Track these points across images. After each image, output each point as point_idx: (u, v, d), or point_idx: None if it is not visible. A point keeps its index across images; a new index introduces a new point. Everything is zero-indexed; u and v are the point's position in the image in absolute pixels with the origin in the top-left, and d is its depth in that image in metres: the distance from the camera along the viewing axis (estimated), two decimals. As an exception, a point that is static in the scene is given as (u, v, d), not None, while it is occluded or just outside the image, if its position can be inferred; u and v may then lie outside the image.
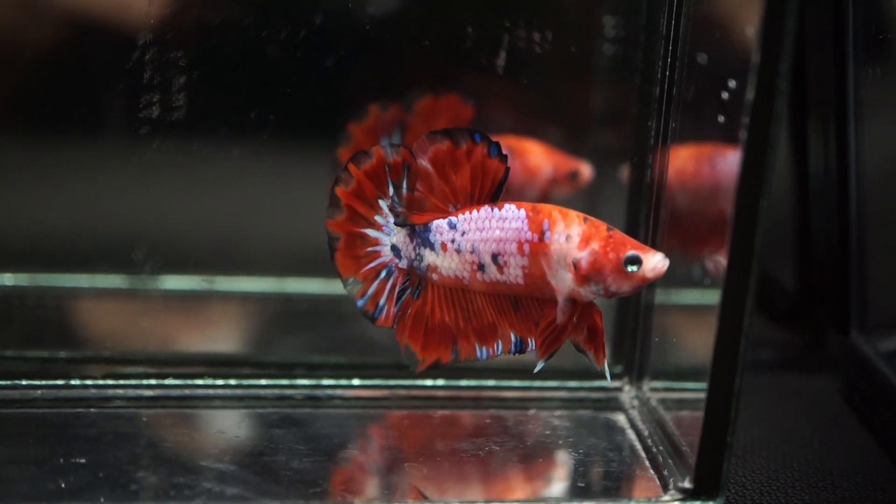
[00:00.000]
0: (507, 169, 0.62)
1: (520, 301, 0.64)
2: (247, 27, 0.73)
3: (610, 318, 0.79)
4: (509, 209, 0.63)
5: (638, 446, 0.70)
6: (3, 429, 0.69)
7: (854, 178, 0.83)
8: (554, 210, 0.63)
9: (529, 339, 0.64)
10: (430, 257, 0.63)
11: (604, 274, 0.62)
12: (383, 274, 0.64)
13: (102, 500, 0.61)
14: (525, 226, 0.63)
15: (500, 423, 0.73)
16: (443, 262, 0.63)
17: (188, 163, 0.79)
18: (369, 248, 0.64)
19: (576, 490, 0.66)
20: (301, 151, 0.80)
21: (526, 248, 0.63)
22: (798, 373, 0.88)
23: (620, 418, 0.74)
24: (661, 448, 0.69)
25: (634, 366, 0.76)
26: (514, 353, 0.64)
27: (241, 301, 0.84)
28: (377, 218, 0.63)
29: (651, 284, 0.73)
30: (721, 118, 0.61)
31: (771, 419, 0.79)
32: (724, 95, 0.60)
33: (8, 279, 0.82)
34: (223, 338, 0.83)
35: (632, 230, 0.74)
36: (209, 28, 0.74)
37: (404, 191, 0.63)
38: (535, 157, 0.77)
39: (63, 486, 0.62)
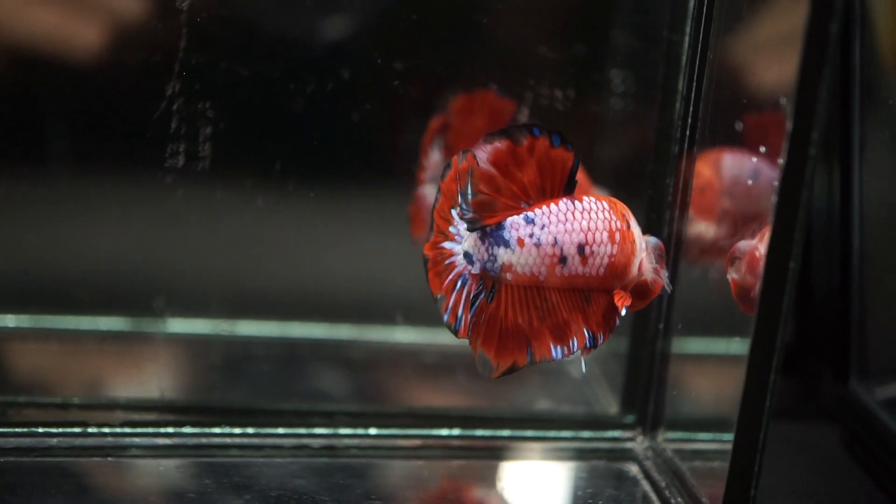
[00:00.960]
0: (577, 157, 0.62)
1: (591, 295, 0.63)
2: (274, 79, 0.74)
3: (622, 367, 0.81)
4: (589, 201, 0.63)
5: (653, 497, 0.72)
6: (22, 478, 0.69)
7: (857, 224, 0.85)
8: (618, 201, 0.65)
9: (600, 334, 0.63)
10: (504, 256, 0.61)
11: (662, 263, 0.65)
12: (459, 284, 0.62)
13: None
14: (612, 215, 0.63)
15: (514, 473, 0.74)
16: (519, 259, 0.61)
17: (207, 206, 0.79)
18: (447, 261, 0.62)
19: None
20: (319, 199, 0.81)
21: (617, 236, 0.63)
22: (798, 422, 0.89)
23: (633, 469, 0.75)
24: (678, 500, 0.70)
25: (648, 416, 0.78)
26: (588, 348, 0.63)
27: (256, 346, 0.85)
28: (451, 228, 0.62)
29: (667, 332, 0.75)
30: (750, 181, 0.63)
31: (774, 470, 0.79)
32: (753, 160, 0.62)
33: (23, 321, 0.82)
34: (238, 384, 0.83)
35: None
36: (236, 79, 0.74)
37: (469, 196, 0.61)
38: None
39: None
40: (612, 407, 0.81)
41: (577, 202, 0.62)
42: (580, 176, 0.75)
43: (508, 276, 0.62)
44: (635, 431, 0.78)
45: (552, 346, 0.62)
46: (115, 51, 0.75)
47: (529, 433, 0.77)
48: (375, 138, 0.79)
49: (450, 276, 0.62)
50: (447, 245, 0.62)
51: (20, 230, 0.80)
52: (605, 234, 0.63)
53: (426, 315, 0.85)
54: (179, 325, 0.83)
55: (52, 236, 0.80)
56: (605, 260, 0.63)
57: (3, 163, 0.78)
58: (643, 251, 0.65)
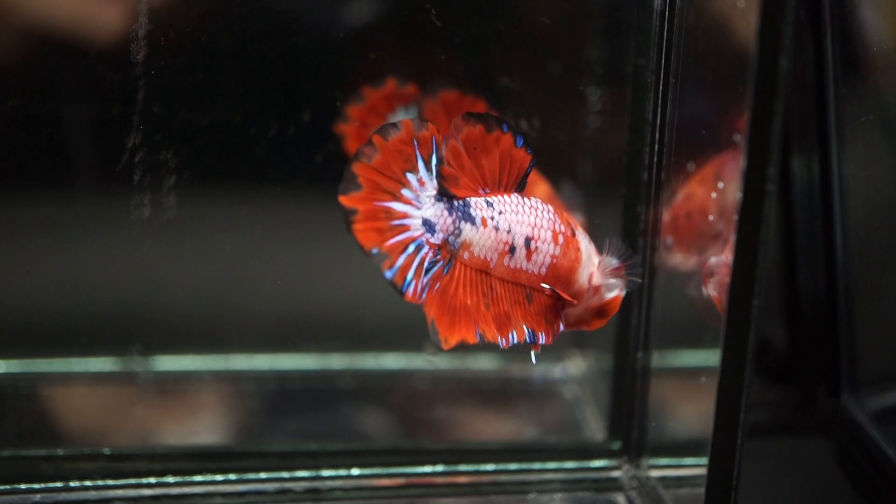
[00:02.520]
0: (533, 160, 0.62)
1: (533, 294, 0.63)
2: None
3: (606, 389, 0.80)
4: (536, 201, 0.63)
5: (638, 529, 0.71)
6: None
7: (840, 233, 0.84)
8: (570, 217, 0.65)
9: (540, 333, 0.63)
10: (468, 232, 0.61)
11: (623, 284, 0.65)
12: (411, 248, 0.61)
13: None
14: (557, 218, 0.64)
15: (500, 509, 0.74)
16: (479, 239, 0.61)
17: (190, 233, 0.79)
18: (395, 222, 0.60)
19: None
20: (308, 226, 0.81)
21: (560, 238, 0.63)
22: (790, 436, 0.88)
23: (620, 499, 0.75)
24: (662, 532, 0.70)
25: (633, 442, 0.77)
26: (529, 344, 0.63)
27: (243, 381, 0.85)
28: (404, 192, 0.60)
29: (646, 350, 0.75)
30: (710, 217, 0.62)
31: (762, 490, 0.79)
32: (714, 194, 0.61)
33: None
34: (220, 425, 0.83)
35: (626, 308, 0.75)
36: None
37: (436, 165, 0.60)
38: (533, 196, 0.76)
39: None
40: (598, 433, 0.81)
41: (526, 199, 0.63)
42: (556, 202, 0.75)
43: (465, 255, 0.61)
44: (620, 459, 0.77)
45: (496, 335, 0.62)
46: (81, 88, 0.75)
47: (514, 466, 0.77)
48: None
49: (398, 238, 0.61)
50: (397, 206, 0.60)
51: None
52: (549, 234, 0.63)
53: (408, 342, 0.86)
54: (160, 364, 0.84)
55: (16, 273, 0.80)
56: (548, 259, 0.63)
57: None
58: (595, 265, 0.65)
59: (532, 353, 0.63)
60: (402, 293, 0.61)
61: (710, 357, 0.63)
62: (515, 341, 0.63)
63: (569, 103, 0.79)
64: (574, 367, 0.89)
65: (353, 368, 0.87)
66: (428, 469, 0.76)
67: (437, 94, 0.76)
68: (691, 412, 0.74)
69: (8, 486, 0.72)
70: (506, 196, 0.62)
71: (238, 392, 0.85)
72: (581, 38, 0.79)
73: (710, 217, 0.68)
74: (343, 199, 0.60)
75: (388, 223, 0.61)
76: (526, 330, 0.63)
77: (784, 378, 0.92)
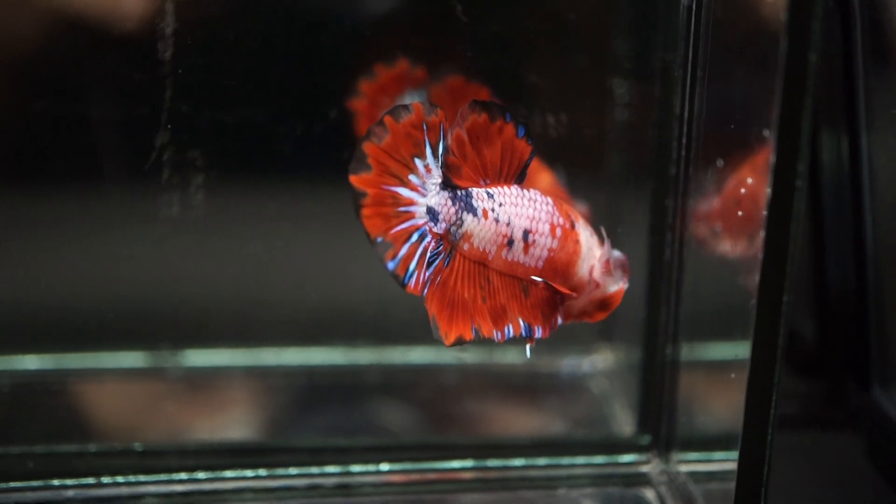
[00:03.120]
0: (533, 151, 0.61)
1: (530, 287, 0.63)
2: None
3: (635, 383, 0.80)
4: (536, 193, 0.63)
5: (667, 524, 0.71)
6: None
7: (869, 225, 0.83)
8: (571, 208, 0.65)
9: (536, 327, 0.63)
10: (470, 224, 0.61)
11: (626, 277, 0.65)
12: (415, 237, 0.60)
13: None
14: (555, 210, 0.63)
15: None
16: (479, 231, 0.61)
17: (217, 230, 0.80)
18: (401, 208, 0.60)
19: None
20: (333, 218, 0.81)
21: (558, 231, 0.63)
22: (820, 429, 0.87)
23: (650, 495, 0.74)
24: (691, 527, 0.70)
25: (662, 436, 0.77)
26: (524, 338, 0.62)
27: (272, 377, 0.86)
28: (412, 177, 0.60)
29: (675, 344, 0.74)
30: (739, 213, 0.61)
31: (791, 486, 0.78)
32: (743, 190, 0.60)
33: (30, 362, 0.83)
34: (251, 420, 0.84)
35: (653, 307, 0.75)
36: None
37: (442, 153, 0.60)
38: (536, 186, 0.73)
39: None
40: (627, 428, 0.81)
41: (525, 190, 0.62)
42: (559, 191, 0.75)
43: (465, 246, 0.61)
44: (650, 454, 0.77)
45: (492, 329, 0.61)
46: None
47: (543, 461, 0.77)
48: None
49: (403, 225, 0.60)
50: (404, 192, 0.60)
51: (33, 270, 0.82)
52: (547, 227, 0.62)
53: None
54: (190, 360, 0.84)
55: (46, 269, 0.80)
56: (545, 252, 0.62)
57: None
58: (596, 258, 0.64)
59: (527, 346, 0.63)
60: (403, 284, 0.60)
61: (739, 350, 0.63)
62: (511, 335, 0.62)
63: (596, 98, 0.79)
64: (602, 360, 0.88)
65: (381, 363, 0.87)
66: (457, 464, 0.76)
67: (443, 79, 0.76)
68: (721, 406, 0.73)
69: (41, 482, 0.73)
70: (506, 188, 0.62)
71: (267, 387, 0.86)
72: (609, 33, 0.78)
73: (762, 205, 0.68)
74: (354, 180, 0.59)
75: (395, 209, 0.60)
76: (522, 324, 0.62)
77: (814, 371, 0.92)
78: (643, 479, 0.76)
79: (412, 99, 0.75)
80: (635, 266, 0.77)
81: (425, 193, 0.60)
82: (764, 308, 0.58)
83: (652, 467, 0.77)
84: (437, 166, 0.60)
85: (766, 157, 0.63)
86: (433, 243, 0.60)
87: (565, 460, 0.77)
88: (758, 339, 0.59)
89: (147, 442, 0.77)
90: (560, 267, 0.63)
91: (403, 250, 0.60)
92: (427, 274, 0.60)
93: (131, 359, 0.84)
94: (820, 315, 0.91)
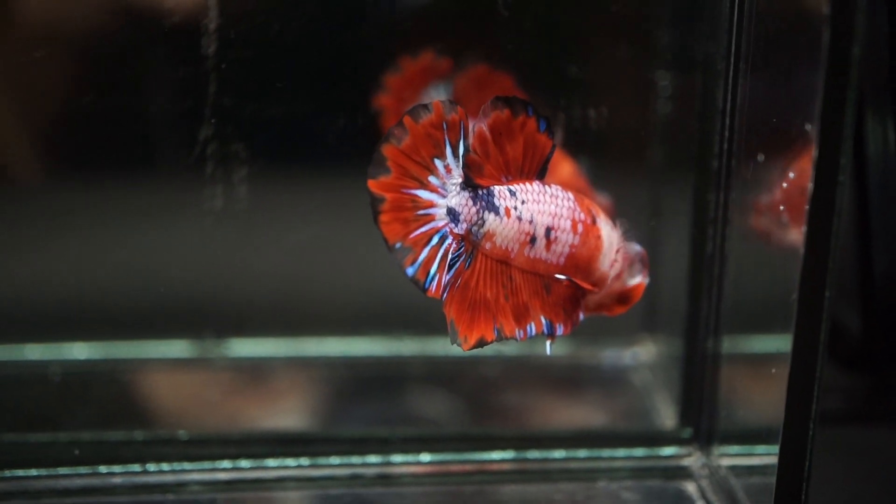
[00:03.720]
0: (554, 146, 0.60)
1: (552, 284, 0.62)
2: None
3: (677, 376, 0.80)
4: (557, 188, 0.62)
5: (708, 518, 0.71)
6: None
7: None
8: (592, 202, 0.64)
9: (558, 324, 0.62)
10: (492, 223, 0.59)
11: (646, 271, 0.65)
12: (435, 240, 0.59)
13: None
14: (577, 206, 0.62)
15: (569, 497, 0.74)
16: (502, 230, 0.60)
17: (261, 220, 0.81)
18: (420, 212, 0.58)
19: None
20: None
21: (580, 227, 0.62)
22: (864, 424, 0.86)
23: (691, 488, 0.74)
24: (731, 522, 0.69)
25: (703, 430, 0.77)
26: (549, 335, 0.62)
27: (315, 367, 0.86)
28: (431, 179, 0.58)
29: (716, 338, 0.74)
30: (781, 207, 0.61)
31: (836, 482, 0.78)
32: (784, 184, 0.60)
33: (78, 351, 0.84)
34: (296, 410, 0.85)
35: (694, 300, 0.75)
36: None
37: (463, 152, 0.59)
38: (557, 177, 0.74)
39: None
40: (669, 421, 0.81)
41: (546, 186, 0.61)
42: (581, 182, 0.74)
43: (487, 245, 0.60)
44: (691, 447, 0.77)
45: (515, 327, 0.61)
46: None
47: (583, 453, 0.77)
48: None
49: (423, 229, 0.59)
50: (424, 194, 0.58)
51: (81, 262, 0.83)
52: (569, 223, 0.61)
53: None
54: (234, 350, 0.85)
55: (92, 258, 0.82)
56: (567, 249, 0.61)
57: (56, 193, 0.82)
58: (615, 252, 0.63)
59: (547, 343, 0.62)
60: (424, 289, 0.59)
61: (780, 344, 0.62)
62: (533, 333, 0.61)
63: (639, 90, 0.78)
64: (645, 353, 0.88)
65: (423, 354, 0.88)
66: (497, 455, 0.76)
67: (467, 69, 0.76)
68: (763, 400, 0.73)
69: (89, 469, 0.74)
70: (527, 184, 0.61)
71: (310, 377, 0.87)
72: (652, 25, 0.78)
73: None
74: (372, 185, 0.58)
75: (414, 213, 0.59)
76: (544, 321, 0.61)
77: (858, 365, 0.91)
78: (684, 473, 0.76)
79: (438, 91, 0.75)
80: (678, 259, 0.77)
81: (445, 194, 0.59)
82: (806, 303, 0.58)
83: (693, 461, 0.76)
84: (457, 166, 0.59)
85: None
86: (454, 245, 0.59)
87: (606, 452, 0.77)
88: (799, 334, 0.59)
89: (192, 430, 0.79)
90: (582, 263, 0.62)
91: (423, 254, 0.59)
92: (448, 277, 0.59)
93: (176, 348, 0.86)
94: (865, 309, 0.90)
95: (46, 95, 0.78)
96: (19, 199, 0.81)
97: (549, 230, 0.61)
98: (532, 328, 0.61)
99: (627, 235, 0.65)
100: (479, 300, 0.60)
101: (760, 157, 0.65)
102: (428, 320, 0.86)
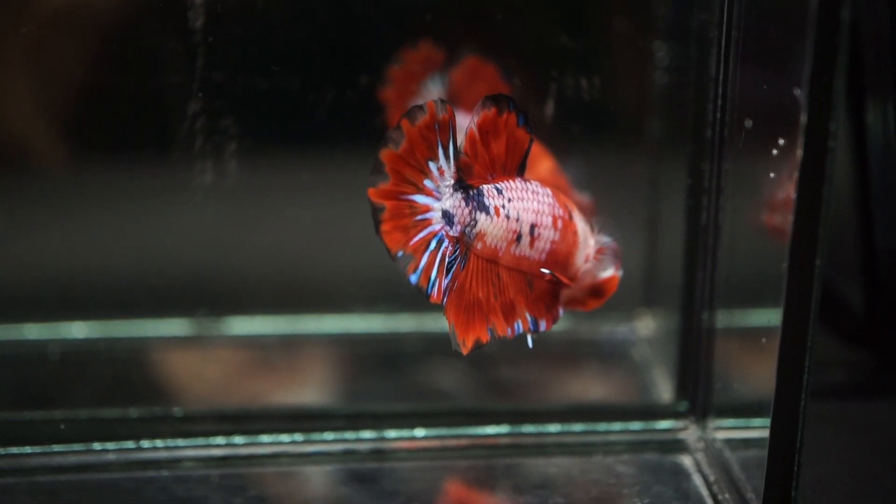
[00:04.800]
0: (532, 140, 0.60)
1: (534, 280, 0.62)
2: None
3: (672, 348, 0.79)
4: (536, 184, 0.62)
5: (705, 493, 0.70)
6: (79, 496, 0.71)
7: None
8: (566, 198, 0.64)
9: (542, 321, 0.62)
10: (483, 223, 0.59)
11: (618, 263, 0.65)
12: (433, 244, 0.58)
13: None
14: (555, 202, 0.62)
15: (564, 471, 0.73)
16: (492, 229, 0.60)
17: (257, 202, 0.80)
18: (418, 217, 0.58)
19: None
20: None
21: (559, 223, 0.62)
22: (868, 399, 0.86)
23: (687, 461, 0.74)
24: (726, 496, 0.69)
25: (699, 403, 0.76)
26: (532, 333, 0.62)
27: (309, 343, 0.86)
28: (427, 182, 0.58)
29: (711, 310, 0.73)
30: (772, 174, 0.60)
31: (839, 454, 0.77)
32: (775, 151, 0.59)
33: (76, 330, 0.84)
34: (288, 386, 0.84)
35: (690, 272, 0.74)
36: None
37: (452, 152, 0.58)
38: (537, 173, 0.73)
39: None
40: (666, 395, 0.80)
41: (528, 182, 0.61)
42: (560, 179, 0.74)
43: (479, 245, 0.59)
44: (687, 420, 0.76)
45: (505, 326, 0.60)
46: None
47: (579, 427, 0.76)
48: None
49: (421, 234, 0.58)
50: (420, 199, 0.58)
51: (73, 238, 0.83)
52: (550, 219, 0.61)
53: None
54: (229, 327, 0.85)
55: (90, 236, 0.81)
56: (548, 245, 0.61)
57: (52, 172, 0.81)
58: (591, 247, 0.64)
59: (528, 337, 0.62)
60: (427, 296, 0.59)
61: (774, 317, 0.62)
62: (521, 331, 0.61)
63: (633, 60, 0.78)
64: (643, 327, 0.88)
65: (420, 330, 0.87)
66: (492, 430, 0.76)
67: (461, 60, 0.75)
68: (757, 373, 0.72)
69: (83, 446, 0.74)
70: (511, 181, 0.61)
71: (305, 354, 0.86)
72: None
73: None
74: (372, 194, 0.57)
75: (412, 219, 0.58)
76: (529, 318, 0.61)
77: (862, 340, 0.90)
78: (680, 446, 0.75)
79: (435, 83, 0.75)
80: (674, 231, 0.76)
81: (440, 197, 0.58)
82: (796, 272, 0.57)
83: (689, 434, 0.76)
84: (448, 168, 0.58)
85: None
86: (450, 248, 0.58)
87: (602, 426, 0.76)
88: (790, 304, 0.58)
89: (186, 407, 0.79)
90: (561, 258, 0.63)
91: (424, 260, 0.58)
92: (446, 281, 0.58)
93: (174, 327, 0.86)
94: (867, 285, 0.90)
95: (34, 75, 0.78)
96: (14, 181, 0.81)
97: (532, 227, 0.61)
98: (520, 325, 0.61)
99: (601, 229, 0.65)
100: (472, 301, 0.60)
101: (748, 123, 0.64)
102: (422, 296, 0.86)
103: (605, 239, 0.65)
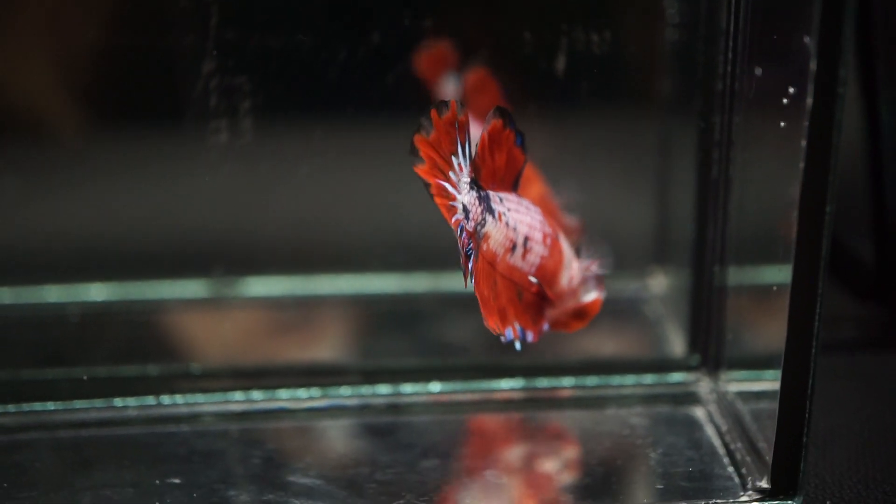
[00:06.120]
0: (526, 160, 0.63)
1: (523, 293, 0.64)
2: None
3: (684, 304, 0.80)
4: (528, 202, 0.64)
5: (717, 443, 0.71)
6: (100, 451, 0.72)
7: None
8: (552, 219, 0.67)
9: (529, 332, 0.64)
10: (489, 225, 0.61)
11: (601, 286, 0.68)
12: (458, 231, 0.61)
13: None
14: (544, 220, 0.64)
15: (578, 424, 0.74)
16: (495, 233, 0.62)
17: (271, 162, 0.81)
18: (451, 203, 0.60)
19: (654, 492, 0.67)
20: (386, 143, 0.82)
21: (548, 240, 0.64)
22: (879, 353, 0.87)
23: (699, 413, 0.75)
24: (738, 445, 0.69)
25: (711, 356, 0.77)
26: (520, 341, 0.63)
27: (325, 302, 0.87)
28: (451, 174, 0.60)
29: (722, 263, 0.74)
30: (782, 123, 0.60)
31: (850, 405, 0.78)
32: (785, 100, 0.59)
33: (94, 292, 0.85)
34: (307, 345, 0.85)
35: (701, 225, 0.75)
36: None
37: (468, 152, 0.60)
38: (527, 195, 0.73)
39: (159, 508, 0.65)
40: (678, 349, 0.81)
41: (521, 198, 0.64)
42: (550, 203, 0.75)
43: (484, 246, 0.62)
44: (699, 373, 0.77)
45: (502, 328, 0.62)
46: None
47: (592, 381, 0.77)
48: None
49: (454, 218, 0.60)
50: (449, 187, 0.60)
51: (96, 202, 0.84)
52: (540, 235, 0.64)
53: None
54: (245, 287, 0.86)
55: (109, 201, 0.82)
56: (538, 260, 0.64)
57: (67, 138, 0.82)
58: (574, 269, 0.66)
59: (516, 343, 0.63)
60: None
61: (784, 271, 0.62)
62: (511, 338, 0.63)
63: (645, 14, 0.78)
64: (656, 284, 0.88)
65: (434, 289, 0.88)
66: (507, 384, 0.77)
67: (473, 68, 0.76)
68: (768, 326, 0.73)
69: (104, 402, 0.75)
70: (508, 194, 0.63)
71: (321, 314, 0.87)
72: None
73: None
74: (418, 171, 0.59)
75: (448, 202, 0.60)
76: (518, 327, 0.63)
77: (873, 295, 0.91)
78: (692, 398, 0.76)
79: (452, 81, 0.76)
80: (685, 186, 0.77)
81: (461, 191, 0.60)
82: (806, 218, 0.57)
83: (701, 386, 0.77)
84: (466, 165, 0.60)
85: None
86: (467, 240, 0.60)
87: (615, 380, 0.77)
88: (801, 250, 0.58)
89: (205, 365, 0.80)
90: (548, 274, 0.65)
91: (460, 242, 0.60)
92: (471, 265, 0.60)
93: (191, 288, 0.86)
94: (879, 241, 0.90)
95: (48, 39, 0.79)
96: (31, 145, 0.82)
97: (526, 239, 0.63)
98: (510, 332, 0.63)
99: (586, 253, 0.67)
100: (480, 295, 0.61)
101: (758, 71, 0.64)
102: (438, 255, 0.87)
103: (591, 263, 0.67)
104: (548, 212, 0.68)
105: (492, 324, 0.61)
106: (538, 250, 0.64)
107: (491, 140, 0.61)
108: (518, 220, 0.63)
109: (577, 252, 0.68)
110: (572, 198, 0.77)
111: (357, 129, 0.80)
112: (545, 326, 0.65)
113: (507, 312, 0.63)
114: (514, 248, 0.63)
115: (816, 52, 0.55)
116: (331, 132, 0.80)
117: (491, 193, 0.61)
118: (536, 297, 0.64)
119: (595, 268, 0.67)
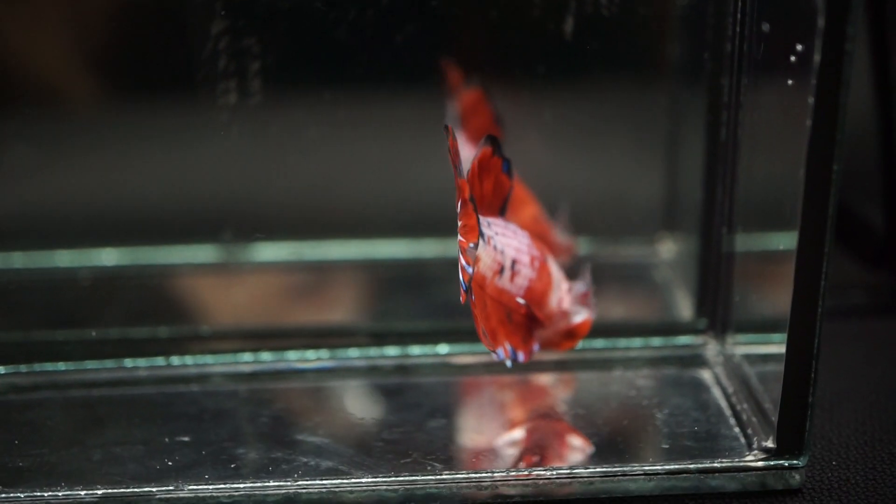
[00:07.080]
0: (511, 188, 0.65)
1: (512, 314, 0.66)
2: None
3: (692, 270, 0.80)
4: (515, 226, 0.66)
5: (723, 404, 0.71)
6: (111, 410, 0.73)
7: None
8: (541, 243, 0.69)
9: (520, 352, 0.66)
10: (480, 246, 0.63)
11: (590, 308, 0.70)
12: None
13: (207, 477, 0.65)
14: (531, 244, 0.66)
15: (585, 385, 0.75)
16: (485, 256, 0.63)
17: (277, 128, 0.81)
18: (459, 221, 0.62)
19: (660, 452, 0.67)
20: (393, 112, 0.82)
21: (536, 263, 0.66)
22: (887, 318, 0.87)
23: (706, 375, 0.75)
24: (745, 406, 0.70)
25: (718, 319, 0.77)
26: (511, 361, 0.65)
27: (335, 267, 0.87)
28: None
29: (730, 228, 0.74)
30: (790, 81, 0.60)
31: (858, 368, 0.78)
32: (793, 58, 0.59)
33: (106, 256, 0.86)
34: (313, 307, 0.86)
35: (709, 191, 0.75)
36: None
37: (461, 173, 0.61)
38: (521, 218, 0.75)
39: (169, 464, 0.66)
40: (686, 312, 0.81)
41: (508, 223, 0.65)
42: (543, 225, 0.77)
43: (476, 267, 0.63)
44: (707, 336, 0.77)
45: (494, 347, 0.64)
46: None
47: (600, 343, 0.77)
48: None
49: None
50: (459, 202, 0.62)
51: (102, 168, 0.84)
52: (528, 258, 0.65)
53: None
54: (255, 251, 0.86)
55: (120, 167, 0.83)
56: (526, 282, 0.65)
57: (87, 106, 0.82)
58: (563, 291, 0.68)
59: (507, 361, 0.65)
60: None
61: (791, 236, 0.62)
62: (502, 357, 0.64)
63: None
64: (665, 250, 0.88)
65: (442, 256, 0.88)
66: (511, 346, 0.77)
67: (468, 89, 0.76)
68: (775, 289, 0.73)
69: (115, 363, 0.76)
70: (496, 218, 0.65)
71: (331, 278, 0.87)
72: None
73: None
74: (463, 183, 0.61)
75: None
76: (509, 348, 0.65)
77: (883, 262, 0.91)
78: (699, 361, 0.76)
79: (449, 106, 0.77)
80: (694, 149, 0.77)
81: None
82: (813, 176, 0.57)
83: (708, 349, 0.77)
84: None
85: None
86: (469, 258, 0.61)
87: (623, 342, 0.77)
88: (807, 210, 0.58)
89: (215, 327, 0.80)
90: (536, 296, 0.66)
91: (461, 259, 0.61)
92: (468, 282, 0.61)
93: (199, 253, 0.87)
94: (889, 206, 0.90)
95: (60, 5, 0.79)
96: (42, 112, 0.82)
97: (513, 262, 0.65)
98: (501, 352, 0.65)
99: (577, 275, 0.69)
100: (474, 313, 0.63)
101: (766, 27, 0.64)
102: (446, 222, 0.87)
103: (580, 285, 0.69)
104: (540, 233, 0.71)
105: (484, 342, 0.63)
106: (526, 273, 0.65)
107: (480, 167, 0.63)
108: (505, 244, 0.65)
109: (578, 273, 0.70)
110: (566, 217, 0.79)
111: (367, 92, 0.80)
112: (535, 347, 0.67)
113: (498, 333, 0.65)
114: (502, 270, 0.64)
115: (824, 8, 0.55)
116: (340, 95, 0.80)
117: (480, 217, 0.63)
118: (525, 319, 0.66)
119: (584, 288, 0.69)
